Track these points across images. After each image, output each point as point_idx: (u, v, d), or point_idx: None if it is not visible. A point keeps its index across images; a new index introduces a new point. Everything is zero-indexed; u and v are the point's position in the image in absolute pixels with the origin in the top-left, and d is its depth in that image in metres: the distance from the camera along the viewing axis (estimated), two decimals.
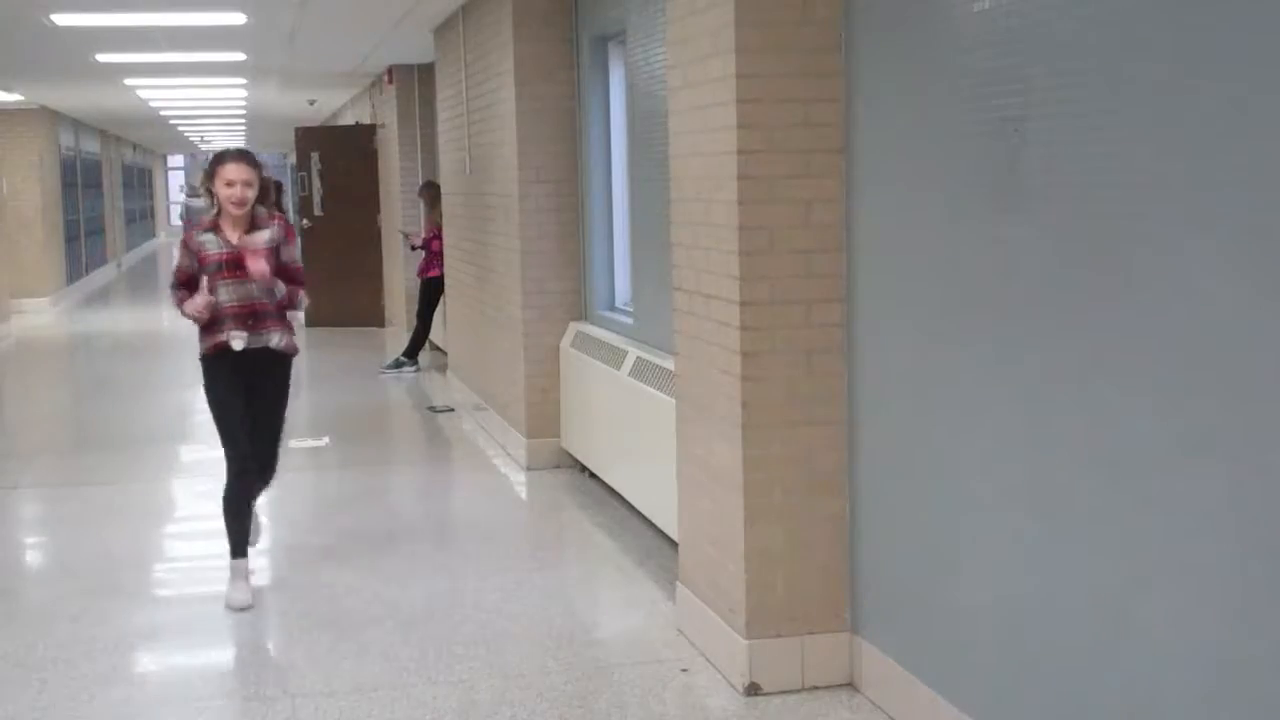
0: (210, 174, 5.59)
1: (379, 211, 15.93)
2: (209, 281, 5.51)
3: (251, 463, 5.71)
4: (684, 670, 4.80)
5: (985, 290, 3.63)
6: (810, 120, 4.38)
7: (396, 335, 14.41)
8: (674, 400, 5.20)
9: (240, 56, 12.56)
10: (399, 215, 14.71)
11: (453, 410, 10.29)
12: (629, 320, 7.25)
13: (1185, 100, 2.83)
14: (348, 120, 19.05)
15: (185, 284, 5.61)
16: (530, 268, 8.05)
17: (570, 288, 8.09)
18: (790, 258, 4.40)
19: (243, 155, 5.64)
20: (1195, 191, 2.82)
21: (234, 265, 5.52)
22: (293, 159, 20.27)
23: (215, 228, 5.58)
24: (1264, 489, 2.66)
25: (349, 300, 15.55)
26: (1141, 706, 3.06)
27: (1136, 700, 3.08)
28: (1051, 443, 3.35)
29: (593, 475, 7.58)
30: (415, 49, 12.13)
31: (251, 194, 5.54)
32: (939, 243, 3.86)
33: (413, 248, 12.52)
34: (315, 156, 16.01)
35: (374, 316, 15.87)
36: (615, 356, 6.97)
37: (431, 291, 12.09)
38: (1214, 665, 2.83)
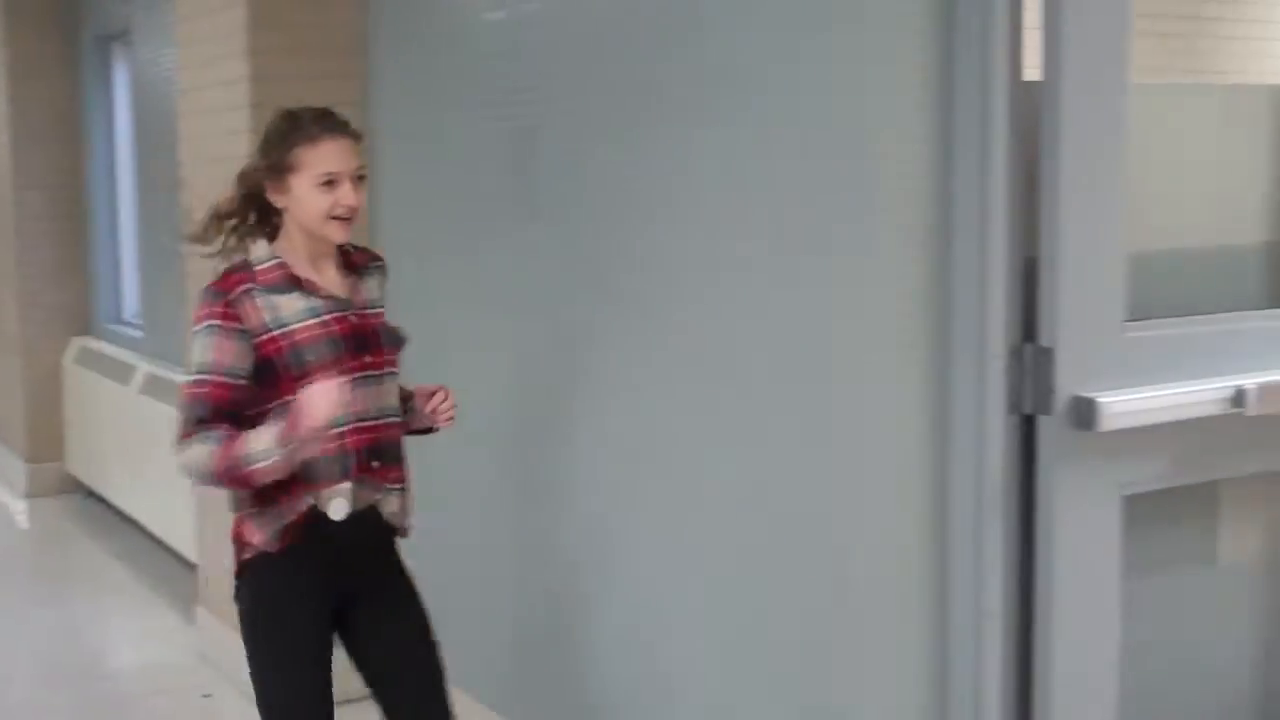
0: (280, 159, 2.74)
1: None
2: (296, 389, 2.66)
3: None
4: (206, 696, 4.60)
5: (506, 295, 3.67)
6: None
7: None
8: None
9: None
10: None
11: None
12: (138, 334, 6.90)
13: (678, 112, 2.96)
14: None
15: (224, 417, 2.68)
16: (27, 279, 7.52)
17: (73, 300, 7.61)
18: None
19: (338, 118, 2.80)
20: (691, 196, 2.96)
21: (358, 344, 2.78)
22: None
23: (289, 276, 2.76)
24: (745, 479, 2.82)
25: None
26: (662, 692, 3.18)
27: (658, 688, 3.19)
28: (574, 438, 3.42)
29: (102, 500, 7.15)
30: None
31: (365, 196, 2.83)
32: (463, 250, 3.87)
33: None
34: None
35: None
36: (124, 372, 6.62)
37: None
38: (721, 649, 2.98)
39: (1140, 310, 2.58)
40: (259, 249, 2.78)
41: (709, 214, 2.93)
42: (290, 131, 2.74)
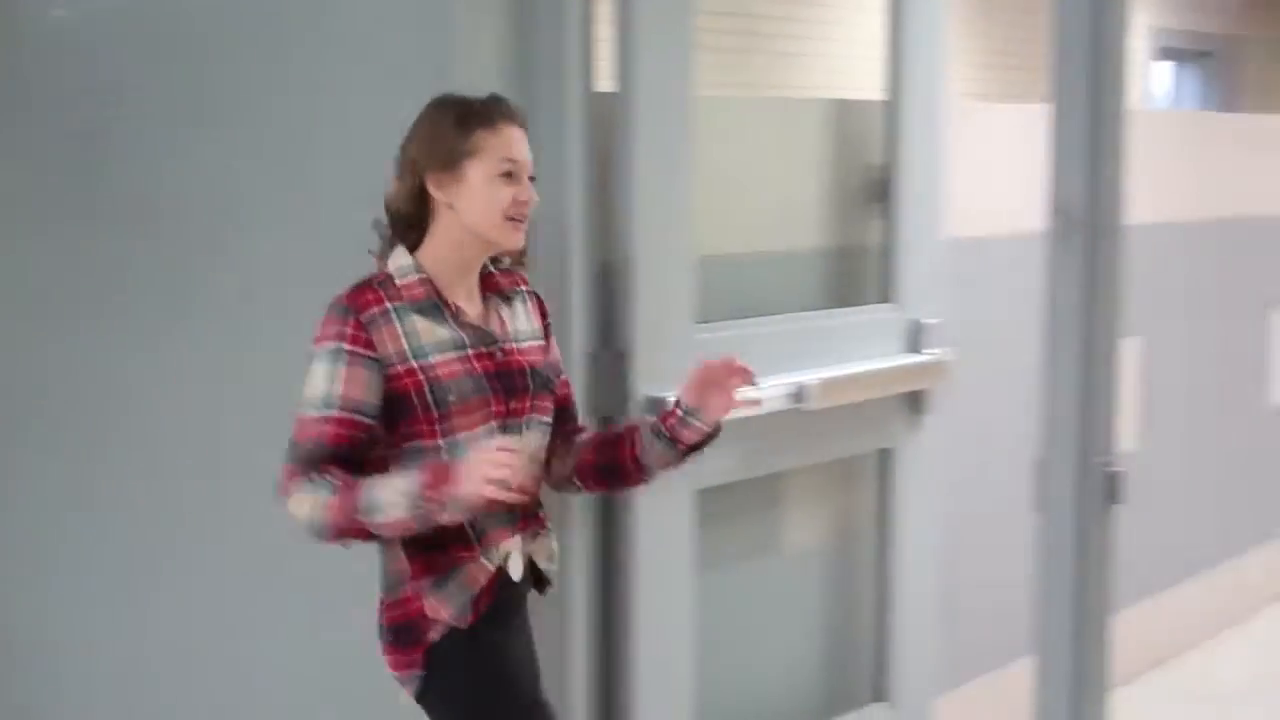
0: (457, 145, 2.23)
1: None
2: (435, 431, 2.22)
3: None
4: None
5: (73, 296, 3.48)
6: None
7: None
8: None
9: None
10: None
11: None
12: None
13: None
14: None
15: (338, 460, 2.19)
16: None
17: None
18: None
19: (516, 106, 2.30)
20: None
21: (504, 387, 2.28)
22: None
23: (435, 295, 2.26)
24: None
25: None
26: None
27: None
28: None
29: None
30: None
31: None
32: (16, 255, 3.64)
33: None
34: None
35: None
36: None
37: None
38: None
39: (710, 312, 2.71)
40: (400, 257, 2.25)
41: (263, 220, 2.84)
42: (467, 115, 2.23)
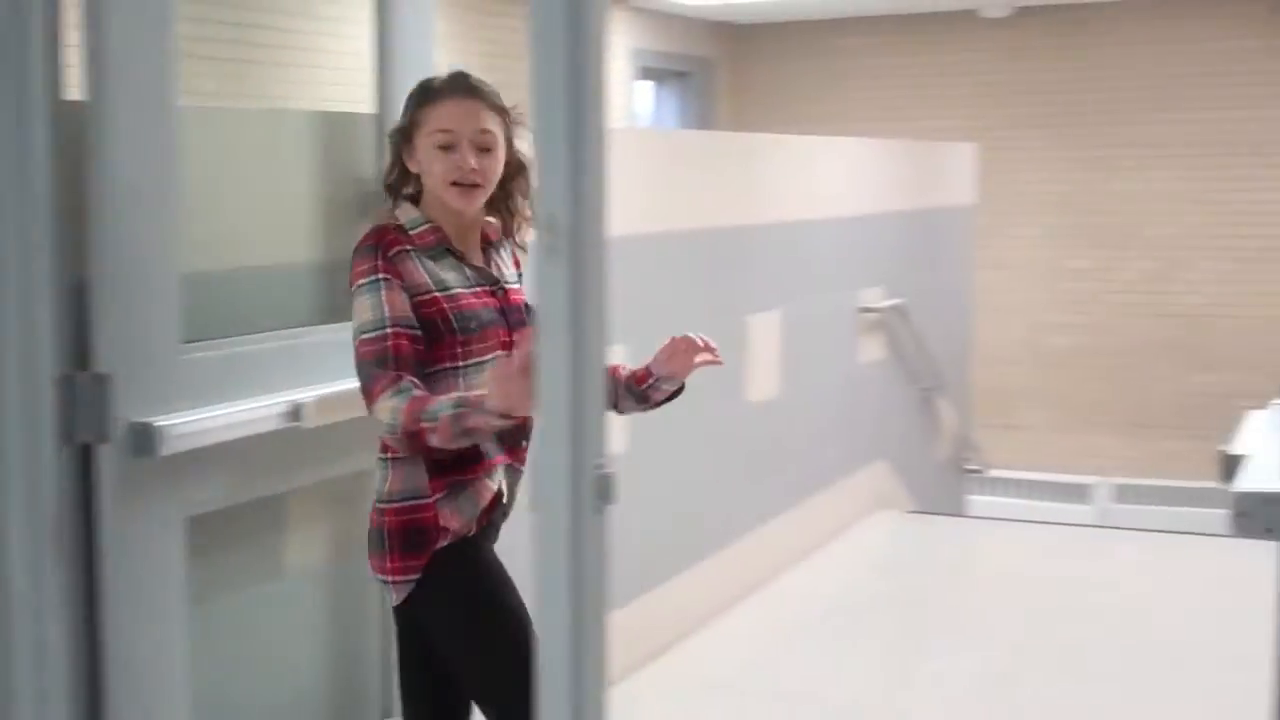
0: (406, 119, 2.63)
1: None
2: (457, 355, 2.55)
3: None
4: None
5: None
6: None
7: None
8: None
9: None
10: None
11: None
12: None
13: None
14: None
15: (411, 369, 2.48)
16: None
17: None
18: None
19: (469, 80, 2.63)
20: None
21: (510, 318, 2.65)
22: None
23: (445, 241, 2.62)
24: None
25: None
26: None
27: None
28: None
29: None
30: None
31: (497, 166, 2.63)
32: None
33: None
34: None
35: None
36: None
37: None
38: None
39: (198, 331, 2.60)
40: (408, 212, 2.63)
41: None
42: (419, 93, 2.64)
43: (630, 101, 10.93)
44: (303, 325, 2.92)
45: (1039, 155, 11.24)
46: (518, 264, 2.76)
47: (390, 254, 2.52)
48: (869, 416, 6.75)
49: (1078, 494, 10.41)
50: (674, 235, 4.85)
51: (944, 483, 8.00)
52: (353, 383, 2.79)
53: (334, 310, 2.98)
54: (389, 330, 2.49)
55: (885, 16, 11.58)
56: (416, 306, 2.52)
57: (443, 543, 2.56)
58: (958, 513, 8.14)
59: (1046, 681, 4.61)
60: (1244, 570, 5.58)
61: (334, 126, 3.11)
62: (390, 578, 2.58)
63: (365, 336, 2.51)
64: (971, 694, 4.52)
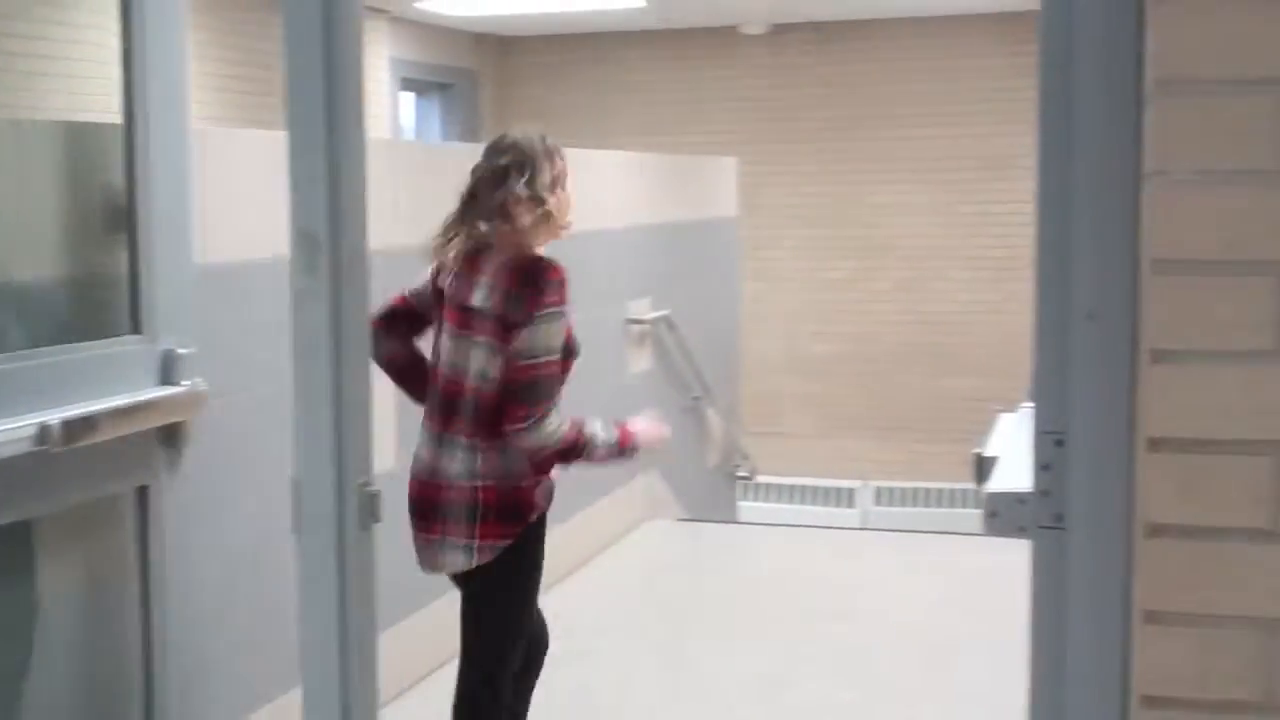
0: (558, 169, 3.36)
1: None
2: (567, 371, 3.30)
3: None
4: None
5: None
6: None
7: None
8: None
9: None
10: None
11: None
12: None
13: None
14: None
15: None
16: None
17: None
18: None
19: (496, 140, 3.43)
20: None
21: None
22: None
23: None
24: None
25: None
26: None
27: None
28: None
29: None
30: None
31: None
32: None
33: None
34: None
35: None
36: None
37: None
38: None
39: None
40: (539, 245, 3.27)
41: None
42: (556, 147, 3.35)
43: (394, 114, 10.81)
44: (51, 344, 2.80)
45: (798, 168, 11.53)
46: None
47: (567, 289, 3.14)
48: None
49: (842, 498, 10.71)
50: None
51: (715, 490, 8.12)
52: (104, 403, 2.70)
53: (85, 328, 2.87)
54: (558, 360, 3.14)
55: (649, 31, 11.72)
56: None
57: (531, 518, 3.19)
58: (728, 519, 8.27)
59: (817, 683, 4.71)
60: (999, 567, 5.82)
61: (80, 138, 2.99)
62: (480, 542, 3.15)
63: (551, 359, 3.12)
64: (744, 698, 4.59)
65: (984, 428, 4.14)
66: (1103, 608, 1.67)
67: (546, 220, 3.22)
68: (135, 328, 2.97)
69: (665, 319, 7.01)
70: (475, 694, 3.29)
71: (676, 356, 7.27)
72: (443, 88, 11.90)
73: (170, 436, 3.04)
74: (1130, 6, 1.60)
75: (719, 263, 8.35)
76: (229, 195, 3.62)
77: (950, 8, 10.67)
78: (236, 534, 3.62)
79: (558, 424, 3.11)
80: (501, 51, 12.28)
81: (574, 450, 3.17)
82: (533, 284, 3.09)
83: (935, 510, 10.19)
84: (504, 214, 3.18)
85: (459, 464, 3.16)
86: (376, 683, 2.46)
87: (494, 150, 3.28)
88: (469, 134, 11.91)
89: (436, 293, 3.29)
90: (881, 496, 10.61)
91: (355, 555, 2.35)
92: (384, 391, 4.24)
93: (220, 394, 3.26)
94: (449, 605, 4.60)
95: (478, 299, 3.15)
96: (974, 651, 4.96)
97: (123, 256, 3.00)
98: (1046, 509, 1.72)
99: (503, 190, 3.19)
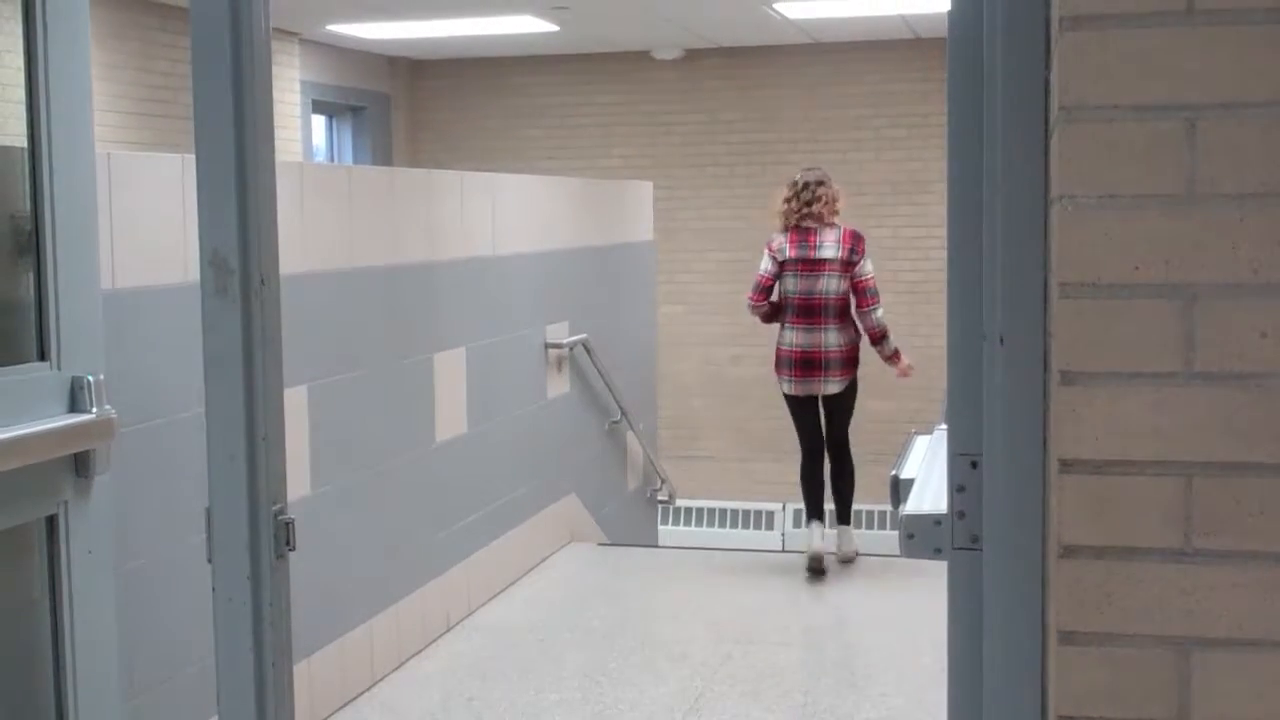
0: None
1: None
2: None
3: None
4: None
5: None
6: None
7: None
8: None
9: None
10: None
11: None
12: None
13: None
14: None
15: None
16: None
17: None
18: None
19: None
20: None
21: None
22: None
23: None
24: None
25: None
26: None
27: None
28: None
29: None
30: None
31: None
32: None
33: None
34: None
35: None
36: None
37: None
38: None
39: None
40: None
41: None
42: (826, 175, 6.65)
43: (306, 137, 10.73)
44: None
45: (712, 192, 11.59)
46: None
47: None
48: (559, 451, 6.79)
49: (762, 520, 10.73)
50: (354, 273, 4.77)
51: (635, 514, 8.11)
52: (10, 431, 2.66)
53: None
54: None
55: (562, 56, 11.74)
56: None
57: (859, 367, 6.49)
58: (649, 543, 8.26)
59: (736, 706, 4.71)
60: (917, 589, 5.86)
61: None
62: (844, 376, 6.36)
63: (873, 277, 6.36)
64: None
65: (900, 449, 4.17)
66: (1019, 628, 1.68)
67: (839, 212, 6.48)
68: (42, 354, 2.91)
69: (583, 343, 7.00)
70: (845, 446, 6.67)
71: (595, 380, 7.27)
72: (355, 111, 11.83)
73: (79, 465, 2.97)
74: (1037, 34, 1.63)
75: (636, 287, 8.36)
76: (137, 219, 3.57)
77: (861, 34, 10.79)
78: (149, 563, 3.56)
79: (882, 312, 6.38)
80: (414, 75, 12.24)
81: (885, 334, 6.38)
82: (859, 240, 6.38)
83: (858, 532, 10.22)
84: (831, 207, 6.43)
85: (840, 339, 6.34)
86: (292, 713, 2.42)
87: (809, 171, 6.59)
88: (381, 157, 11.84)
89: (778, 263, 6.36)
90: (801, 519, 10.65)
91: (270, 584, 2.31)
92: (297, 418, 4.21)
93: (131, 421, 3.20)
94: (363, 635, 4.56)
95: (828, 252, 6.31)
96: (892, 673, 4.98)
97: (28, 282, 2.94)
98: (962, 530, 1.73)
99: (826, 191, 6.50)
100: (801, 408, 6.48)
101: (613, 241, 7.80)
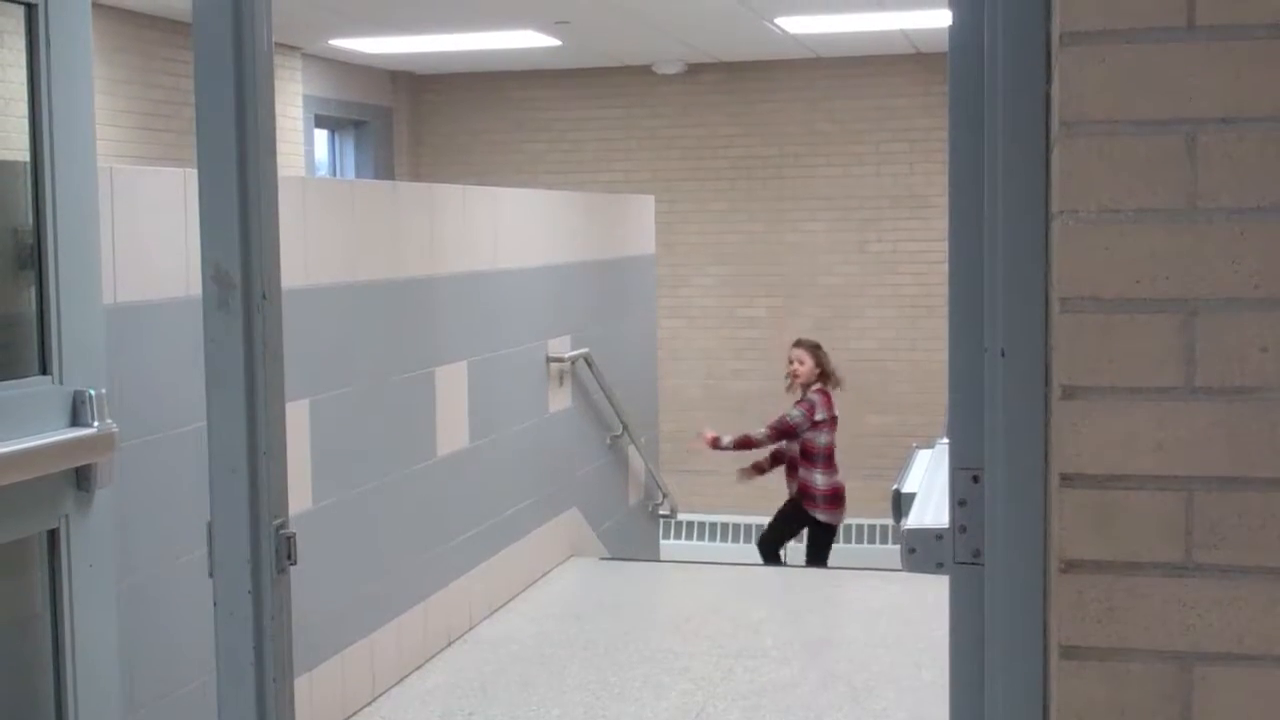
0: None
1: None
2: None
3: None
4: None
5: None
6: None
7: None
8: None
9: None
10: None
11: None
12: None
13: None
14: None
15: None
16: None
17: None
18: None
19: None
20: None
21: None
22: None
23: None
24: None
25: None
26: None
27: None
28: None
29: None
30: None
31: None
32: None
33: None
34: None
35: None
36: None
37: None
38: None
39: None
40: None
41: None
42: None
43: (309, 151, 10.75)
44: None
45: (714, 206, 11.60)
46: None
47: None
48: (560, 465, 6.79)
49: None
50: (356, 287, 4.78)
51: (636, 528, 8.11)
52: (13, 445, 2.67)
53: None
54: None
55: (564, 70, 11.76)
56: None
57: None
58: (651, 558, 8.25)
59: None
60: (919, 603, 5.85)
61: None
62: (829, 514, 7.81)
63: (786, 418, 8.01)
64: None
65: (902, 464, 4.17)
66: (1020, 643, 1.68)
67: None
68: (43, 368, 2.91)
69: (585, 357, 7.00)
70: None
71: (596, 394, 7.26)
72: (357, 125, 11.84)
73: (81, 479, 2.98)
74: (1038, 49, 1.63)
75: (637, 301, 8.37)
76: (139, 233, 3.58)
77: (862, 49, 10.81)
78: (150, 577, 3.56)
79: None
80: (417, 89, 12.26)
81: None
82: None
83: (856, 546, 10.23)
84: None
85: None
86: None
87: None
88: (383, 171, 11.85)
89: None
90: (802, 533, 10.63)
91: (271, 598, 2.31)
92: (299, 432, 4.20)
93: (133, 435, 3.20)
94: (364, 650, 4.56)
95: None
96: (893, 688, 4.97)
97: (30, 296, 2.94)
98: (964, 545, 1.73)
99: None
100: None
101: (614, 255, 7.81)
